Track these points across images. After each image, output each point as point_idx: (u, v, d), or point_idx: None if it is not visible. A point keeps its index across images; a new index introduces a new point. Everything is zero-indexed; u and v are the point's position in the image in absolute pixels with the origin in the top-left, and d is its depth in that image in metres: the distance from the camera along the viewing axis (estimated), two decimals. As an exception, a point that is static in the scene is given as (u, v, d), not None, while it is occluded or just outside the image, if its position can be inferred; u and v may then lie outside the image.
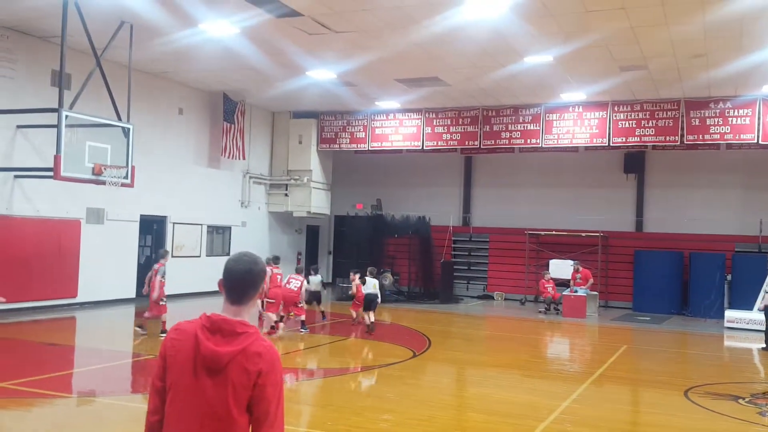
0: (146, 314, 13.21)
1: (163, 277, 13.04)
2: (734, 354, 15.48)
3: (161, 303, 12.99)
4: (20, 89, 15.47)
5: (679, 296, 21.19)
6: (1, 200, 15.30)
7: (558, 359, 14.37)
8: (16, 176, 15.42)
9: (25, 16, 14.27)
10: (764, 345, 14.78)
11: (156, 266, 13.21)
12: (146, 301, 13.28)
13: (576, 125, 20.32)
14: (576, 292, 19.84)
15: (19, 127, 15.35)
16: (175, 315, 12.67)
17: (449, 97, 20.21)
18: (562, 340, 17.23)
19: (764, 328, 14.87)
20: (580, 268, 20.31)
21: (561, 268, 21.36)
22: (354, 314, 16.12)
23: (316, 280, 16.67)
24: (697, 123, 19.03)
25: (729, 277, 20.40)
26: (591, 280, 20.26)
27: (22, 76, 15.58)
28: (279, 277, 14.37)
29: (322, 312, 16.89)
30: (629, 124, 19.70)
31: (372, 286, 15.47)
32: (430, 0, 12.06)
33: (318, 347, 13.70)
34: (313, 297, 16.48)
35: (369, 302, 15.26)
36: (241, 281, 2.83)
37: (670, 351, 15.30)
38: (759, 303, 16.89)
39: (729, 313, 18.55)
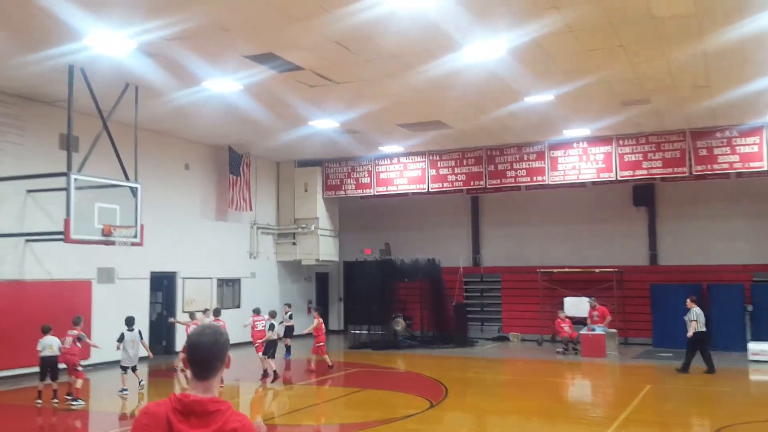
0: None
1: (78, 342, 13.02)
2: (762, 389, 15.10)
3: (78, 369, 12.88)
4: (29, 154, 15.64)
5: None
6: (12, 265, 15.37)
7: (581, 403, 14.06)
8: (27, 240, 15.50)
9: (31, 83, 14.50)
10: None
11: (74, 332, 13.07)
12: (159, 359, 13.08)
13: (582, 161, 20.29)
14: (594, 330, 19.48)
15: (29, 191, 15.49)
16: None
17: (452, 138, 20.31)
18: (583, 382, 16.89)
19: None
20: (597, 305, 19.97)
21: (576, 305, 21.01)
22: (327, 359, 16.44)
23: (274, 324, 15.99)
24: (704, 153, 18.94)
25: (749, 308, 20.05)
26: (608, 317, 19.82)
27: (30, 141, 15.77)
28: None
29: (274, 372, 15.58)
30: (635, 157, 19.65)
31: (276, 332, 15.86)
32: (427, 47, 12.18)
33: (333, 400, 13.50)
34: (271, 346, 15.71)
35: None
36: (208, 354, 2.78)
37: (695, 389, 14.71)
38: None
39: (753, 346, 18.16)
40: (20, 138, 15.61)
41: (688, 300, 16.37)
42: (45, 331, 12.72)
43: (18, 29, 11.31)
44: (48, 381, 12.56)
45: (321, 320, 17.28)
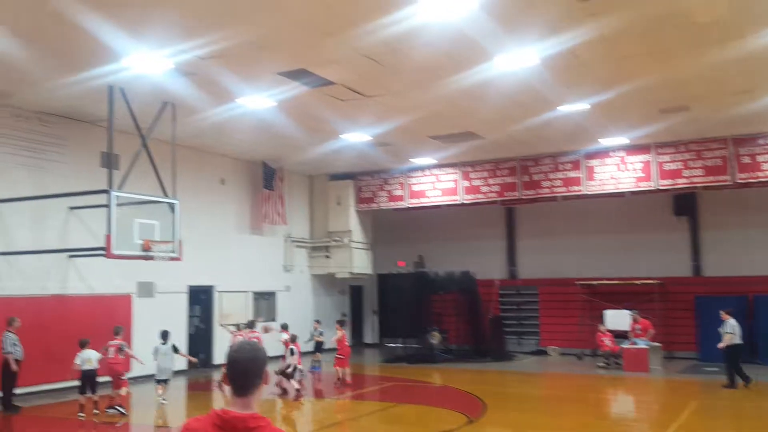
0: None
1: (119, 352, 13.27)
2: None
3: (122, 378, 13.18)
4: (71, 172, 16.02)
5: (747, 342, 20.15)
6: (56, 280, 15.72)
7: (624, 419, 13.68)
8: (70, 256, 15.85)
9: (73, 103, 14.86)
10: None
11: (116, 342, 13.37)
12: (198, 372, 13.22)
13: (619, 170, 19.97)
14: (636, 344, 18.97)
15: (71, 208, 15.85)
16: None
17: (485, 149, 20.18)
18: (626, 398, 16.44)
19: None
20: (639, 318, 19.44)
21: (617, 318, 20.50)
22: (339, 372, 16.24)
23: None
24: (747, 160, 18.47)
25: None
26: (651, 331, 19.26)
27: (72, 160, 16.15)
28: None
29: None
30: (675, 165, 19.25)
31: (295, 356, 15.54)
32: (457, 58, 12.15)
33: (369, 415, 13.45)
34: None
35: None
36: (246, 370, 2.80)
37: (743, 405, 14.17)
38: None
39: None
40: (62, 156, 16.00)
41: (723, 312, 16.10)
42: (83, 345, 12.94)
43: (61, 51, 11.63)
44: (89, 394, 12.76)
45: (343, 332, 17.18)
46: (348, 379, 16.44)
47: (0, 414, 13.07)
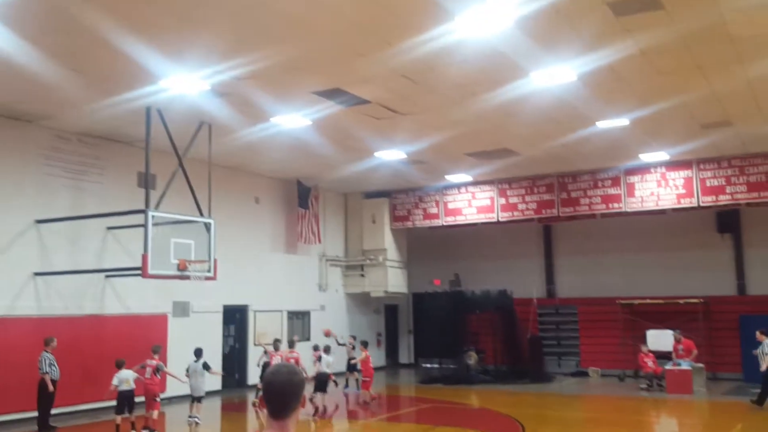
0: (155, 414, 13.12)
1: (156, 372, 13.27)
2: None
3: (156, 400, 13.11)
4: (109, 193, 16.22)
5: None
6: (93, 300, 15.86)
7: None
8: (107, 276, 15.99)
9: (111, 125, 15.09)
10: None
11: (153, 362, 13.35)
12: (232, 392, 13.14)
13: (660, 186, 19.55)
14: (679, 365, 18.40)
15: (108, 228, 16.02)
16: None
17: (521, 166, 19.92)
18: (669, 420, 15.98)
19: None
20: (682, 339, 18.90)
21: (660, 339, 19.91)
22: (368, 395, 16.11)
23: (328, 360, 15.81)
24: (792, 176, 17.99)
25: None
26: (695, 351, 18.69)
27: (110, 180, 16.36)
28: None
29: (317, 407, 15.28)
30: (718, 182, 18.78)
31: (326, 364, 15.47)
32: (493, 75, 12.02)
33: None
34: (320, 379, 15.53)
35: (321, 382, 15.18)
36: (282, 393, 2.77)
37: None
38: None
39: None
40: (101, 177, 16.23)
41: (758, 333, 15.88)
42: (119, 366, 12.98)
43: (101, 75, 11.84)
44: (126, 414, 12.80)
45: (367, 354, 17.02)
46: (369, 399, 16.41)
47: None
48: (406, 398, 17.79)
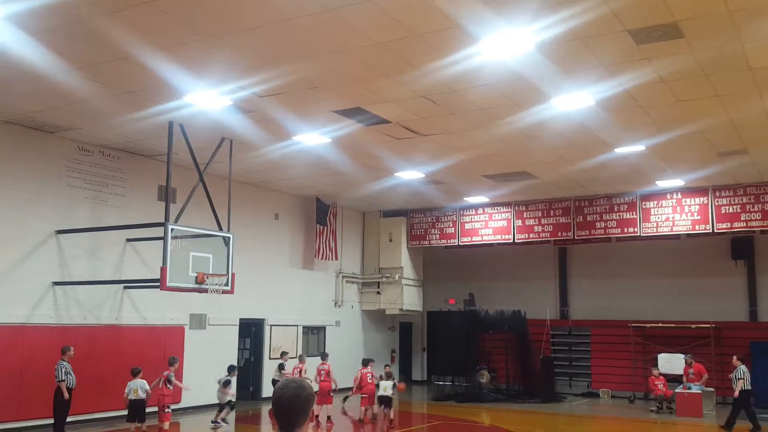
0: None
1: (168, 383, 13.48)
2: None
3: (166, 411, 13.28)
4: (129, 205, 16.46)
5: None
6: (111, 310, 16.05)
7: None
8: (126, 287, 16.19)
9: (133, 138, 15.33)
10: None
11: (165, 373, 13.58)
12: (247, 404, 13.17)
13: (676, 212, 19.59)
14: (690, 388, 18.51)
15: (128, 240, 16.25)
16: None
17: (539, 189, 20.05)
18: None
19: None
20: (693, 363, 19.01)
21: (671, 362, 20.06)
22: (367, 410, 16.30)
23: (387, 384, 16.01)
24: (807, 205, 17.98)
25: None
26: (705, 376, 18.81)
27: (130, 193, 16.61)
28: (369, 376, 16.17)
29: (391, 420, 15.96)
30: (733, 209, 18.82)
31: (383, 388, 15.75)
32: (513, 99, 12.18)
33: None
34: (382, 402, 15.95)
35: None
36: (290, 408, 2.84)
37: None
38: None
39: None
40: (122, 190, 16.48)
41: (735, 358, 16.39)
42: (134, 374, 13.19)
43: (125, 88, 11.99)
44: (137, 423, 12.95)
45: (363, 371, 16.92)
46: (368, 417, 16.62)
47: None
48: (418, 414, 17.80)
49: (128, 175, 16.62)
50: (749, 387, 16.01)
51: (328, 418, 15.90)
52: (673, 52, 10.00)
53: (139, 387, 13.09)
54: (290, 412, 2.84)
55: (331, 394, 16.28)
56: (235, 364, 17.71)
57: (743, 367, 16.10)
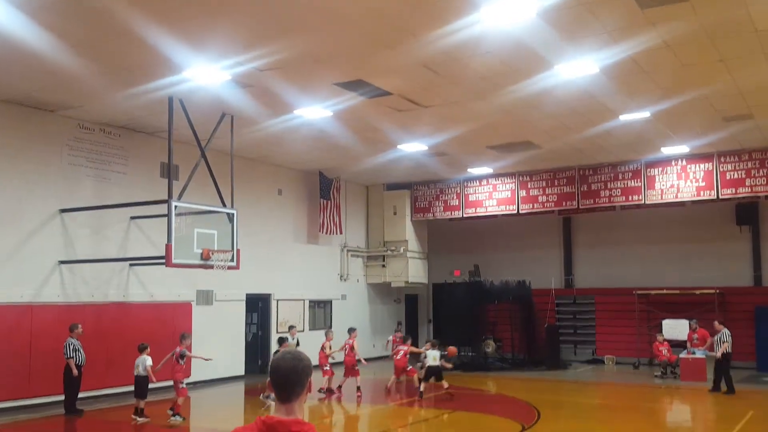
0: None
1: (181, 359, 13.39)
2: None
3: (181, 386, 13.25)
4: (132, 183, 16.44)
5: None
6: (118, 288, 16.14)
7: (680, 429, 13.47)
8: (131, 265, 16.25)
9: (134, 115, 15.27)
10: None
11: (177, 349, 13.52)
12: (255, 378, 13.16)
13: (680, 179, 19.53)
14: (694, 353, 18.61)
15: (132, 218, 16.26)
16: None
17: (543, 159, 19.96)
18: (682, 407, 16.18)
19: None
20: (698, 328, 19.06)
21: (675, 328, 20.20)
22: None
23: (436, 354, 16.05)
24: (812, 169, 17.90)
25: None
26: (710, 340, 18.85)
27: (133, 171, 16.58)
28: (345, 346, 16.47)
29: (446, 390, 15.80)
30: (738, 174, 18.74)
31: (432, 359, 15.71)
32: (516, 67, 12.06)
33: (423, 421, 13.41)
34: (432, 372, 15.92)
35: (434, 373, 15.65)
36: (287, 378, 2.88)
37: None
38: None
39: None
40: (124, 167, 16.45)
41: (716, 323, 16.77)
42: (140, 350, 13.28)
43: (122, 64, 11.90)
44: (140, 398, 13.10)
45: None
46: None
47: (64, 417, 13.44)
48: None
49: (130, 152, 16.58)
50: (730, 351, 16.39)
51: (358, 388, 15.99)
52: (678, 16, 9.87)
53: (140, 363, 13.16)
54: (287, 383, 2.88)
55: (357, 367, 16.28)
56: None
57: (727, 331, 16.48)
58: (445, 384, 15.68)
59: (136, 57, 11.48)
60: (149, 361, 13.20)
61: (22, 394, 13.94)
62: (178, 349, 13.56)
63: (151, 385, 13.34)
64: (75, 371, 13.48)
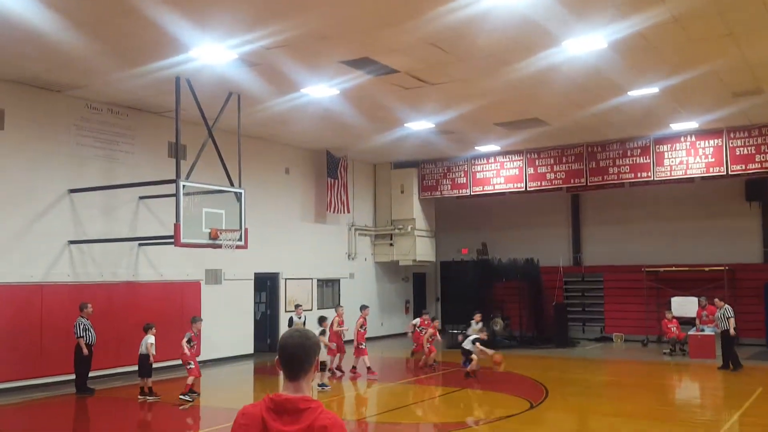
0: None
1: (188, 343, 13.39)
2: None
3: (189, 366, 13.28)
4: (140, 162, 16.49)
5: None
6: (127, 267, 16.25)
7: (688, 405, 13.51)
8: (140, 244, 16.34)
9: (141, 95, 15.27)
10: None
11: (187, 334, 13.57)
12: (264, 356, 13.24)
13: (689, 155, 19.42)
14: (703, 330, 18.65)
15: (141, 198, 16.33)
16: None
17: (550, 136, 19.86)
18: (690, 384, 16.23)
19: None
20: (707, 305, 19.08)
21: (684, 305, 20.19)
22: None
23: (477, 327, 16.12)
24: (823, 144, 17.76)
25: None
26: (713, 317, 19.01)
27: (141, 151, 16.62)
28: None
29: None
30: (747, 150, 18.62)
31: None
32: (523, 43, 11.97)
33: (431, 399, 13.52)
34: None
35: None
36: (295, 356, 2.90)
37: None
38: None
39: None
40: (132, 147, 16.49)
41: (717, 299, 16.79)
42: (145, 330, 13.42)
43: (128, 44, 11.89)
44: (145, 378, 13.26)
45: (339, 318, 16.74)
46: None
47: (75, 396, 13.62)
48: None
49: (138, 132, 16.60)
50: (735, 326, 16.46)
51: (369, 369, 16.08)
52: (687, -11, 9.76)
53: (143, 343, 13.32)
54: (294, 361, 2.89)
55: (362, 345, 16.33)
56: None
57: (729, 307, 16.53)
58: (474, 366, 15.66)
59: (142, 36, 11.46)
60: (151, 339, 13.29)
61: (34, 373, 14.11)
62: (189, 334, 13.58)
63: (161, 364, 13.45)
64: (85, 350, 13.61)
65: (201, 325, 14.14)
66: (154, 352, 13.33)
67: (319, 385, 13.98)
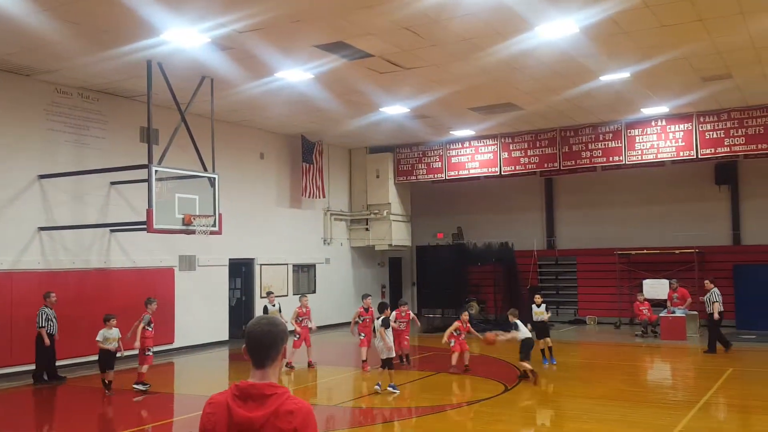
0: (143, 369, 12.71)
1: (148, 325, 12.77)
2: None
3: (147, 354, 12.67)
4: (111, 148, 16.28)
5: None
6: (99, 254, 16.08)
7: (659, 387, 13.74)
8: (112, 231, 16.17)
9: (112, 78, 15.06)
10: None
11: (144, 315, 12.86)
12: (239, 343, 13.24)
13: (660, 139, 19.68)
14: (674, 312, 19.02)
15: (112, 183, 16.14)
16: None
17: (524, 120, 20.00)
18: (662, 366, 16.51)
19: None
20: (678, 287, 19.45)
21: (655, 288, 20.53)
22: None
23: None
24: (791, 128, 18.09)
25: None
26: (689, 299, 19.31)
27: (112, 135, 16.40)
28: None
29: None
30: (717, 134, 18.92)
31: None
32: (496, 28, 12.01)
33: (406, 384, 13.61)
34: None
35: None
36: (261, 344, 2.90)
37: None
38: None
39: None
40: (103, 132, 16.27)
41: (707, 282, 16.96)
42: (105, 321, 12.67)
43: (98, 26, 11.69)
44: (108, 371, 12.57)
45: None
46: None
47: (46, 385, 13.41)
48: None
49: (109, 117, 16.38)
50: (722, 309, 16.65)
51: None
52: (658, -26, 9.84)
53: (116, 336, 12.55)
54: (261, 348, 2.89)
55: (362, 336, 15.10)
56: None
57: (717, 290, 16.67)
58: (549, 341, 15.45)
59: (112, 18, 11.29)
60: (116, 333, 12.56)
61: (4, 362, 13.93)
62: (147, 316, 12.87)
63: (130, 353, 13.04)
64: (47, 341, 13.30)
65: (155, 307, 13.26)
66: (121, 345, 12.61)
67: (390, 386, 12.13)
